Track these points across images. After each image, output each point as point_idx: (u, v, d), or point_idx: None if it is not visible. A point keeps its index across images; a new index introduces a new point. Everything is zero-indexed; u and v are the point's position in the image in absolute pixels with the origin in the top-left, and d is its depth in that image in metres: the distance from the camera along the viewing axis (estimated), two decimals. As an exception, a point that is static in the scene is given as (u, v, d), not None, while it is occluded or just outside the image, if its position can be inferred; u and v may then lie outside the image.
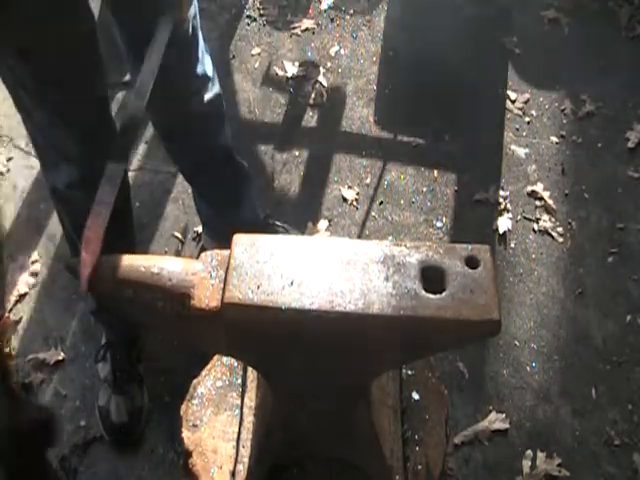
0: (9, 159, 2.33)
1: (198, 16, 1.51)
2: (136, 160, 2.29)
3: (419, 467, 1.11)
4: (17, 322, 1.98)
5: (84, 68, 1.33)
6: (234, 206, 1.89)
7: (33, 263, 2.09)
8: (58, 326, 1.97)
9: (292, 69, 2.54)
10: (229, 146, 1.82)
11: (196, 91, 1.61)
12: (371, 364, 0.92)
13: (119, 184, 0.98)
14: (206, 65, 1.61)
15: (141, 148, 2.33)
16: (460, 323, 0.82)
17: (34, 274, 2.07)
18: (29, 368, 1.89)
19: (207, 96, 1.64)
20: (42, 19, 1.17)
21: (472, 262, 0.87)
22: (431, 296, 0.84)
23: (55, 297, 2.03)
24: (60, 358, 1.91)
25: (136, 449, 1.78)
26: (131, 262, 0.90)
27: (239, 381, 1.22)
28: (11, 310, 2.00)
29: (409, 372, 1.22)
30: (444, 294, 0.84)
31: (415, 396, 1.19)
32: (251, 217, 1.93)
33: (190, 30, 1.48)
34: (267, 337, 0.87)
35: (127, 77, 2.13)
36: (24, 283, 2.05)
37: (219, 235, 1.94)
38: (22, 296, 2.03)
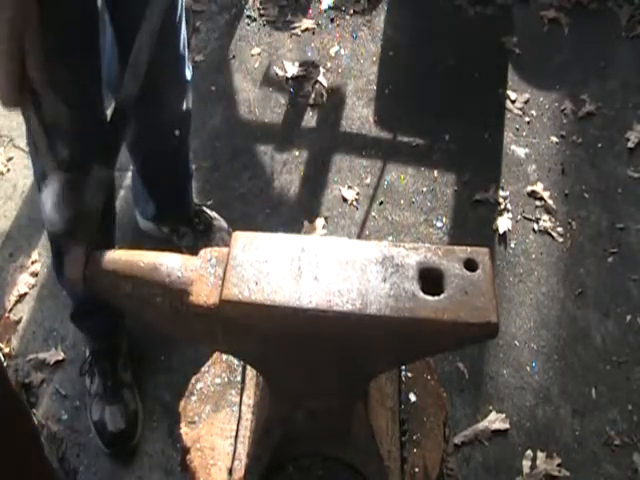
0: (9, 159, 2.33)
1: (183, 14, 1.52)
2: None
3: (416, 469, 1.11)
4: (17, 322, 1.98)
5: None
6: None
7: (33, 263, 2.09)
8: (58, 326, 1.97)
9: (292, 69, 2.54)
10: (188, 152, 1.89)
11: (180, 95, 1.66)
12: (368, 364, 0.92)
13: (107, 188, 0.96)
14: (187, 68, 1.63)
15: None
16: (457, 325, 0.82)
17: (34, 274, 2.07)
18: (29, 368, 1.90)
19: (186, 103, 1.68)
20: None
21: (470, 264, 0.87)
22: (429, 298, 0.84)
23: (55, 297, 2.02)
24: (60, 358, 1.91)
25: (136, 452, 1.78)
26: (130, 257, 0.90)
27: (238, 379, 1.22)
28: (11, 310, 2.00)
29: (408, 374, 1.22)
30: (442, 296, 0.84)
31: (413, 398, 1.19)
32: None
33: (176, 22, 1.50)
34: (264, 335, 0.87)
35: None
36: (24, 283, 2.05)
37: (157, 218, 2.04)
38: (22, 296, 2.03)
